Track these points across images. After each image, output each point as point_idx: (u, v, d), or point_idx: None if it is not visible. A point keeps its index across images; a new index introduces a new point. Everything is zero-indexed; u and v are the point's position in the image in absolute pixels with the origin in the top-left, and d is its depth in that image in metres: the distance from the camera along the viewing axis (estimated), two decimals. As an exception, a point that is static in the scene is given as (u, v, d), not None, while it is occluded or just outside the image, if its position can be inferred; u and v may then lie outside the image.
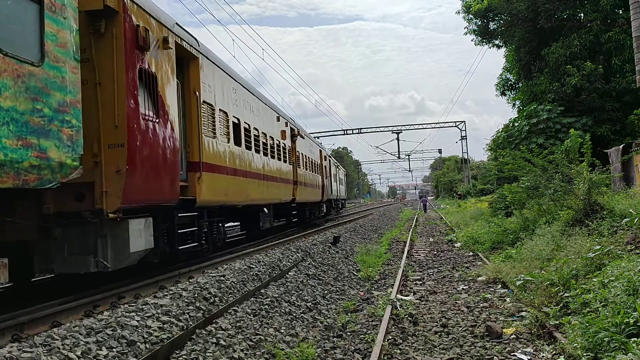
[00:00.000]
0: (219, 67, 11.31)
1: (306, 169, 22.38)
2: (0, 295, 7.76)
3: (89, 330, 5.16)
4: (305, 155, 22.64)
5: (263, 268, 10.00)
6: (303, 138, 22.39)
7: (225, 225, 12.54)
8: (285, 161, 17.84)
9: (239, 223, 16.06)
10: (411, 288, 10.52)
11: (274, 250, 12.78)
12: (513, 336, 6.67)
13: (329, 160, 33.18)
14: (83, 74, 6.31)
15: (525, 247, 11.40)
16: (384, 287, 10.84)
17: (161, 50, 8.31)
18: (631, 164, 16.52)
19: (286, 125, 18.44)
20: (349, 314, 8.45)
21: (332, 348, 6.57)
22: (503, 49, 31.11)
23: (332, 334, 7.26)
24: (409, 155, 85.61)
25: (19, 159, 5.06)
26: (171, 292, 7.16)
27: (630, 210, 9.35)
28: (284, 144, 17.95)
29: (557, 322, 6.48)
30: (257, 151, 13.98)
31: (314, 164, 25.15)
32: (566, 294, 7.04)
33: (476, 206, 31.15)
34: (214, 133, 10.56)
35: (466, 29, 29.98)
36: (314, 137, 34.21)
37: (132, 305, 6.31)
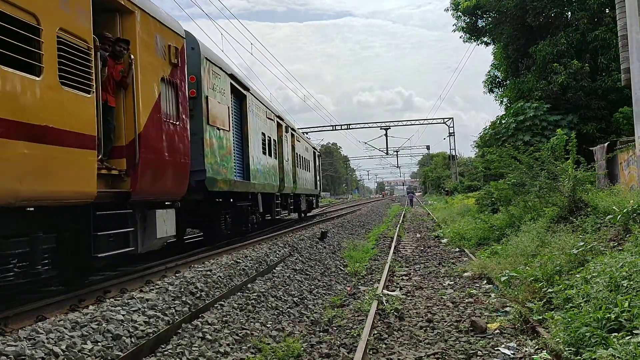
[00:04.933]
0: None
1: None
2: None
3: (74, 324, 5.14)
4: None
5: (250, 263, 10.01)
6: None
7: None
8: None
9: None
10: (397, 283, 10.58)
11: (261, 245, 12.79)
12: (497, 331, 6.74)
13: (252, 99, 15.29)
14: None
15: (511, 244, 11.50)
16: (371, 282, 10.89)
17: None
18: (615, 162, 16.75)
19: None
20: (336, 308, 8.47)
21: (318, 343, 6.60)
22: (491, 46, 31.27)
23: (318, 329, 7.28)
24: (397, 152, 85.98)
25: None
26: (157, 286, 7.16)
27: (614, 207, 9.45)
28: None
29: (541, 317, 6.55)
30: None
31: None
32: (550, 290, 7.12)
33: (463, 202, 31.32)
34: None
35: (455, 26, 30.02)
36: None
37: (118, 300, 6.30)
